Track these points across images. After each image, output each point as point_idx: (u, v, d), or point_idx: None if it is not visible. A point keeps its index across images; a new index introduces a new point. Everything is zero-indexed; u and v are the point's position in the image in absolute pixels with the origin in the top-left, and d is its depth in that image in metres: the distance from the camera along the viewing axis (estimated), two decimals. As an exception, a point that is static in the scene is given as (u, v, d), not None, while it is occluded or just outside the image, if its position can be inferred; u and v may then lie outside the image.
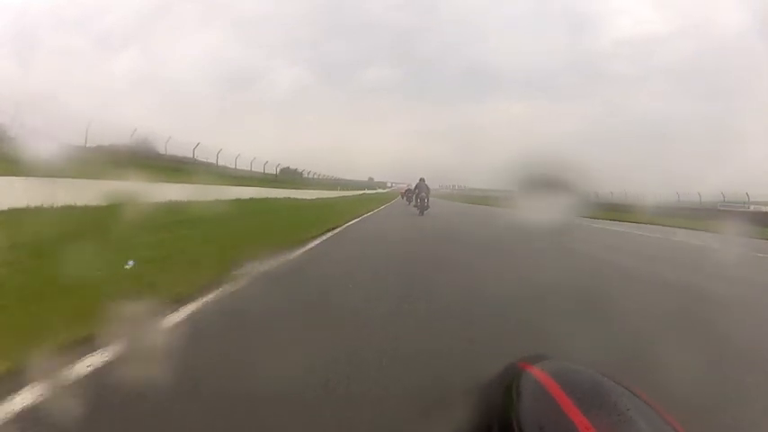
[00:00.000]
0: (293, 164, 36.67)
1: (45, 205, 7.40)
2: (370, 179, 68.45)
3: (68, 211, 7.57)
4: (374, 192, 48.83)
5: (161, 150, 20.33)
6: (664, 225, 13.56)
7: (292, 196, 21.69)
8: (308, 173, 39.54)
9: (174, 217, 7.77)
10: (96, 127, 16.21)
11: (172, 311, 2.73)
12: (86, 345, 2.09)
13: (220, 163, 23.61)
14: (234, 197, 14.88)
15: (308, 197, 23.98)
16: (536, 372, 0.64)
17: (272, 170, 30.43)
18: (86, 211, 7.76)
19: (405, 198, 23.59)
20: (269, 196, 18.76)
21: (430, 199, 16.22)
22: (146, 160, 15.90)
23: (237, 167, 25.09)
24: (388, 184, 67.95)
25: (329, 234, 8.00)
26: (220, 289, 3.37)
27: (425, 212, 15.29)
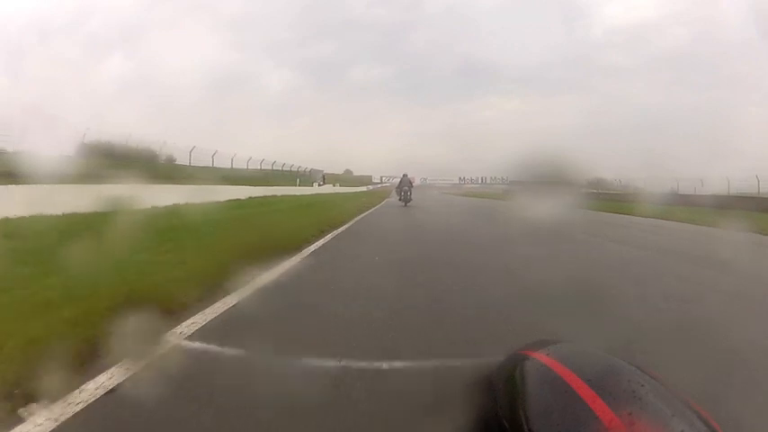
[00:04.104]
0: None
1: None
2: (347, 171, 53.20)
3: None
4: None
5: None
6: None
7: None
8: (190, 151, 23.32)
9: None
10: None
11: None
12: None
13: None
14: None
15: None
16: (543, 357, 0.64)
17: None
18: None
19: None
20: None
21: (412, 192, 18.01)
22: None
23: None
24: (375, 179, 55.46)
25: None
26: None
27: (408, 204, 16.86)
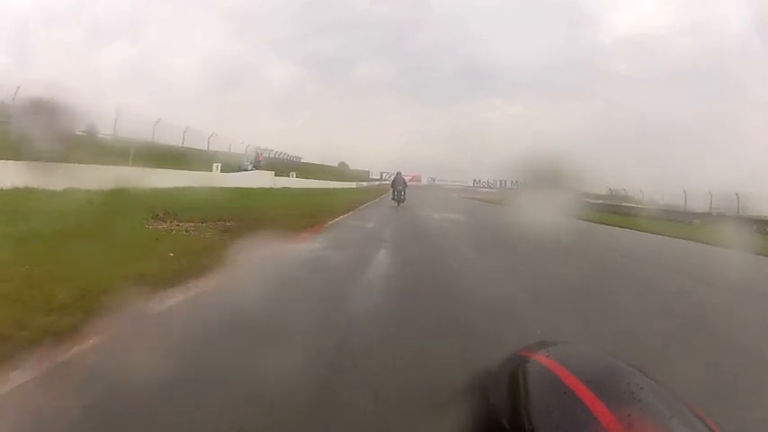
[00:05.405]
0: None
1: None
2: (342, 164, 45.76)
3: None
4: None
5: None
6: None
7: None
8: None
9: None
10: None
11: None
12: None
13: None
14: None
15: None
16: (541, 359, 0.64)
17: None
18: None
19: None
20: None
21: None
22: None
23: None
24: (375, 175, 48.99)
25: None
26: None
27: (401, 205, 16.52)
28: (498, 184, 47.39)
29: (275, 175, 22.07)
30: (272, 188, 19.22)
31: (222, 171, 17.16)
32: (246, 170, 21.17)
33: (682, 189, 21.06)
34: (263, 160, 24.20)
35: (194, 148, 21.71)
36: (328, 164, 41.56)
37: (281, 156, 30.18)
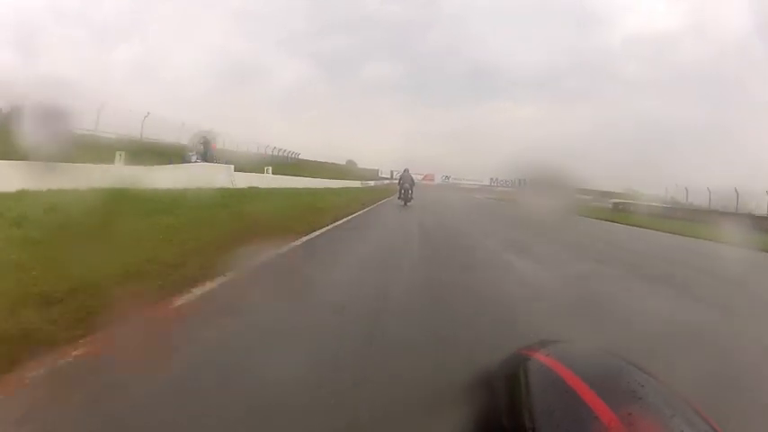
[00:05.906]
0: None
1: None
2: (350, 162, 42.73)
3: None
4: None
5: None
6: None
7: None
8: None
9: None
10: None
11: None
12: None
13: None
14: None
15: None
16: (542, 357, 0.63)
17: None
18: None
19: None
20: None
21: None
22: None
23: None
24: (383, 173, 46.13)
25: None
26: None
27: (408, 204, 15.94)
28: (518, 183, 44.37)
29: (236, 171, 15.39)
30: (224, 189, 12.67)
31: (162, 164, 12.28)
32: (195, 160, 15.50)
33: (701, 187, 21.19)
34: (217, 149, 17.47)
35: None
36: (335, 161, 39.42)
37: (274, 151, 27.69)
